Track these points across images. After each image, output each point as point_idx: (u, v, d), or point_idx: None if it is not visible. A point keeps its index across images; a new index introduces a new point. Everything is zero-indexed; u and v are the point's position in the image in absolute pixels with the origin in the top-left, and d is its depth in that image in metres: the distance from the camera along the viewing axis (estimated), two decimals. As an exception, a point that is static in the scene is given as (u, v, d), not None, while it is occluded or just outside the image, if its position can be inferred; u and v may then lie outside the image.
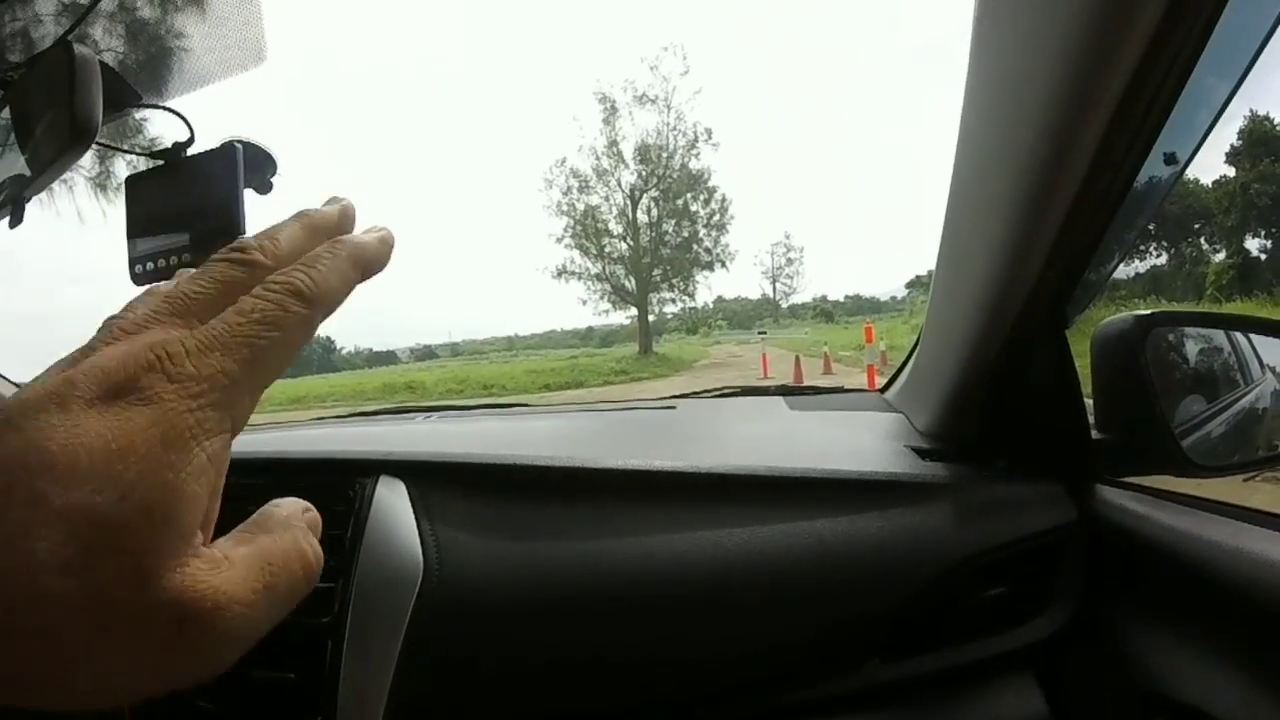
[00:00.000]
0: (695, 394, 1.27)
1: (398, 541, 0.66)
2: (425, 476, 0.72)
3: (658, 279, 22.36)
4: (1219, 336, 0.80)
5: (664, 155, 21.90)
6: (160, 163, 0.48)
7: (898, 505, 0.68)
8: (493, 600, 0.64)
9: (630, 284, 22.27)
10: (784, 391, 1.16)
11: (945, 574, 0.66)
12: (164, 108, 0.47)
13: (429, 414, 1.17)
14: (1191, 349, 0.78)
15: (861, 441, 0.83)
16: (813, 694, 0.68)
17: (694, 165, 22.20)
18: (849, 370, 11.50)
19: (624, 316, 24.57)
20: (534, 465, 0.72)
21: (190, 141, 0.47)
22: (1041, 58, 0.45)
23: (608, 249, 22.25)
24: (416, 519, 0.68)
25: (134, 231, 0.51)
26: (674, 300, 23.56)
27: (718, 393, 1.25)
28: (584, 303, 22.63)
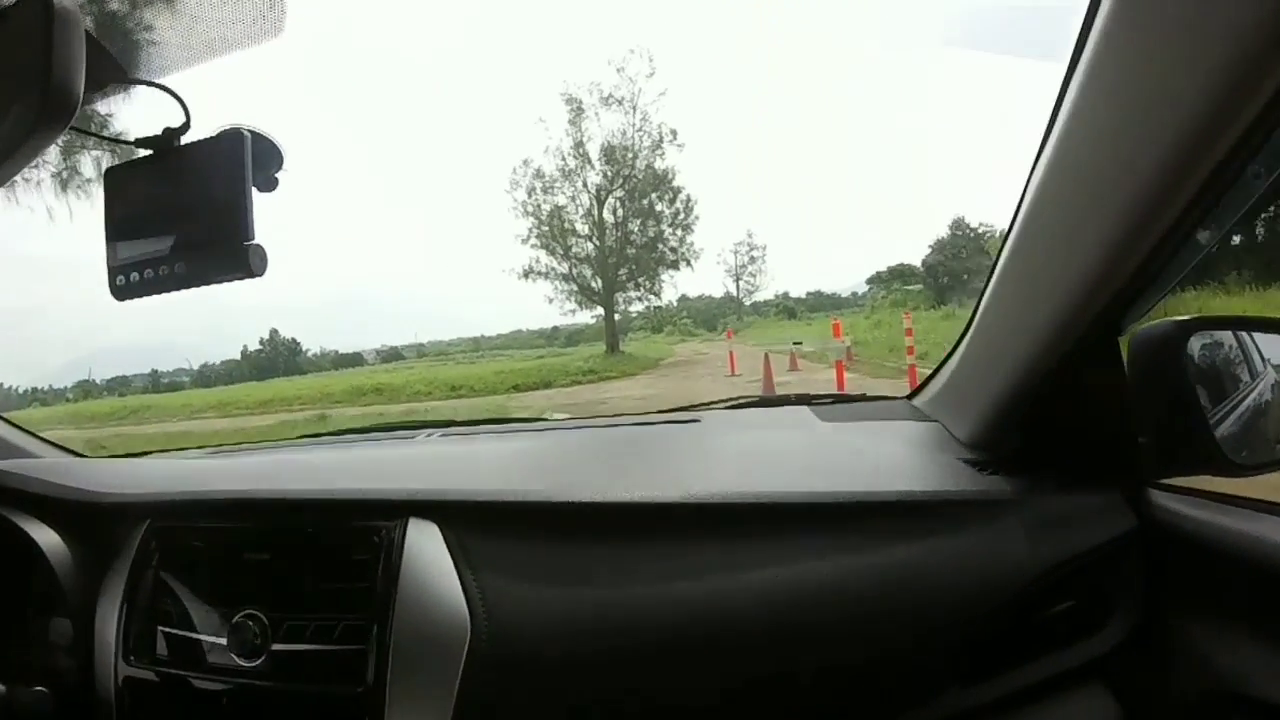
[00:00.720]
0: (713, 404, 1.22)
1: (438, 594, 0.59)
2: (460, 517, 0.65)
3: (624, 278, 22.28)
4: (1256, 339, 0.79)
5: (629, 156, 21.81)
6: (148, 152, 0.40)
7: (970, 523, 0.66)
8: (551, 653, 0.58)
9: (597, 284, 22.16)
10: (805, 400, 1.12)
11: (1021, 591, 0.64)
12: (156, 84, 0.40)
13: (431, 431, 1.09)
14: (1230, 353, 0.77)
15: (911, 456, 0.80)
16: None
17: (659, 165, 22.17)
18: (815, 366, 11.66)
19: (589, 316, 24.48)
20: (587, 502, 0.66)
21: (186, 128, 0.39)
22: (1181, 80, 0.42)
23: (574, 249, 22.11)
24: (456, 567, 0.61)
25: (115, 234, 0.43)
26: (640, 299, 23.61)
27: (738, 402, 1.21)
28: (550, 301, 22.52)
